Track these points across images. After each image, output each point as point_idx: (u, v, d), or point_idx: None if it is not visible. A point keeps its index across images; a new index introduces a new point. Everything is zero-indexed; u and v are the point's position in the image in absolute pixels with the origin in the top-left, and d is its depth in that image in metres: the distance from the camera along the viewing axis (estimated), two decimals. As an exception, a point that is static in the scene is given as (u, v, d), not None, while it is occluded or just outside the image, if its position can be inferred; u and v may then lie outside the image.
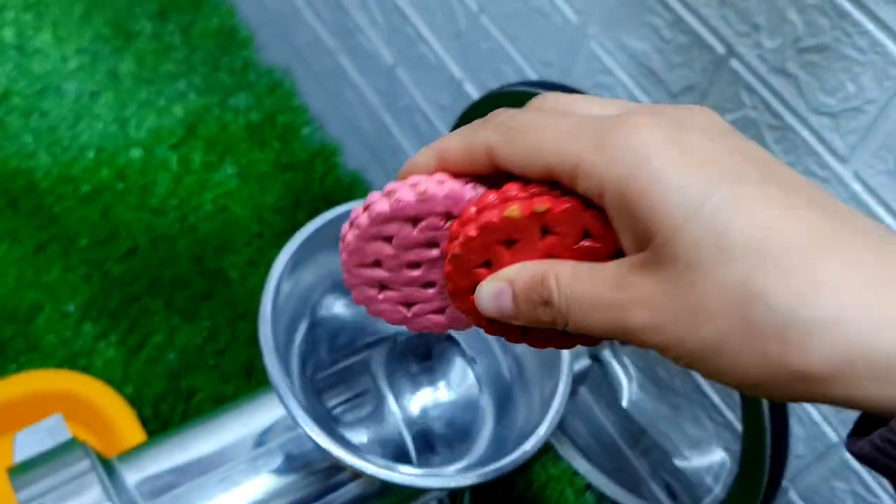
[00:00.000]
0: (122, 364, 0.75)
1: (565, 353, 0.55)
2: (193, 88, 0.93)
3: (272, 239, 0.83)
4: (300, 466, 0.57)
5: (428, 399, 0.62)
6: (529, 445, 0.52)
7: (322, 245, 0.56)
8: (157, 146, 0.87)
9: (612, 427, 0.77)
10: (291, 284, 0.56)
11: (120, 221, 0.83)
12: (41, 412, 0.71)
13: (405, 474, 0.50)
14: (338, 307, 0.59)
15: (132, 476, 0.55)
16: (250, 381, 0.75)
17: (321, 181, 0.88)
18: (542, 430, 0.52)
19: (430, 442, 0.61)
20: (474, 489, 0.73)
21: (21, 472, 0.54)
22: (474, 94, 0.74)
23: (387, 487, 0.59)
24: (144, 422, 0.70)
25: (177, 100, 0.91)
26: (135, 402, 0.72)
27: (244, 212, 0.85)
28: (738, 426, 0.65)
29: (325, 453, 0.57)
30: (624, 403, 0.73)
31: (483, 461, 0.52)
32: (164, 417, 0.72)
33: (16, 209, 0.82)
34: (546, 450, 0.76)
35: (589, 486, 0.76)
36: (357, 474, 0.57)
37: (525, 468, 0.75)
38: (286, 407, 0.50)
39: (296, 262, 0.55)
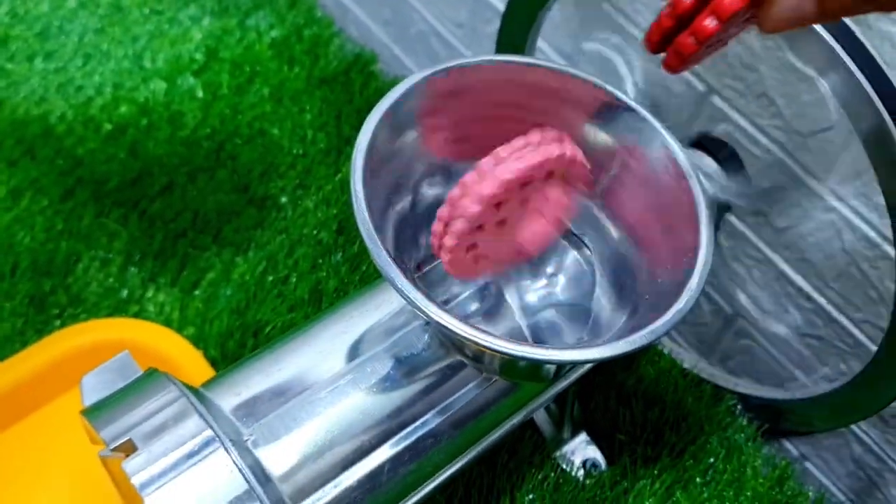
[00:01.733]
0: (177, 306, 0.67)
1: (700, 206, 0.48)
2: (207, 12, 0.85)
3: (318, 157, 0.76)
4: (411, 370, 0.50)
5: (542, 288, 0.55)
6: (682, 302, 0.45)
7: (417, 110, 0.49)
8: (179, 75, 0.79)
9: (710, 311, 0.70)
10: (382, 163, 0.48)
11: (150, 158, 0.75)
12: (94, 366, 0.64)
13: (551, 349, 0.43)
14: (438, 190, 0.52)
15: (226, 402, 0.48)
16: (320, 306, 0.67)
17: (361, 91, 0.80)
18: (695, 283, 0.45)
19: (545, 334, 0.54)
20: (581, 393, 0.66)
21: (98, 411, 0.47)
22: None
23: (508, 388, 0.52)
24: (212, 363, 0.63)
25: (191, 26, 0.83)
26: (198, 343, 0.65)
27: (283, 133, 0.77)
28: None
29: (442, 346, 0.50)
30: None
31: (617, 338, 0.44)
32: (232, 356, 0.64)
33: (34, 157, 0.74)
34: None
35: (701, 379, 0.69)
36: (473, 372, 0.50)
37: (631, 364, 0.68)
38: (402, 291, 0.42)
39: (389, 130, 0.48)
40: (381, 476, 0.49)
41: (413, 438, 0.49)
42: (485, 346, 0.42)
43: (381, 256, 0.44)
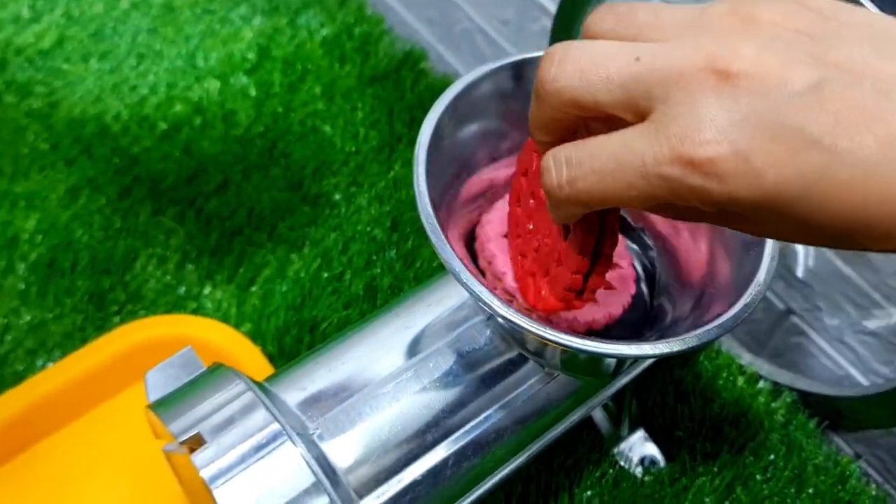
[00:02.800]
0: (234, 303, 0.68)
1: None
2: (258, 12, 0.85)
3: (371, 155, 0.76)
4: (473, 365, 0.50)
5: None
6: (750, 296, 0.44)
7: (483, 101, 0.49)
8: (232, 74, 0.80)
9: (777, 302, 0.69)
10: (446, 148, 0.48)
11: (204, 156, 0.75)
12: (156, 362, 0.65)
13: (618, 344, 0.43)
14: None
15: (290, 396, 0.48)
16: (375, 303, 0.67)
17: (412, 88, 0.80)
18: (762, 277, 0.45)
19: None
20: (639, 390, 0.66)
21: (166, 405, 0.47)
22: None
23: (569, 384, 0.52)
24: (270, 359, 0.64)
25: (242, 25, 0.84)
26: (255, 339, 0.65)
27: (336, 131, 0.77)
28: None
29: (504, 341, 0.49)
30: (799, 273, 0.65)
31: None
32: (289, 352, 0.65)
33: (91, 156, 0.75)
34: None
35: (759, 375, 0.68)
36: (535, 368, 0.50)
37: (688, 361, 0.67)
38: (468, 286, 0.42)
39: (453, 121, 0.48)
40: (444, 471, 0.49)
41: (476, 433, 0.49)
42: (553, 341, 0.41)
43: (446, 251, 0.44)
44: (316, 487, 0.43)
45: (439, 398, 0.49)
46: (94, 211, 0.72)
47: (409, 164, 0.76)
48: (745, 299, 0.44)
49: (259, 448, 0.44)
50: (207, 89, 0.79)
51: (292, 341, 0.65)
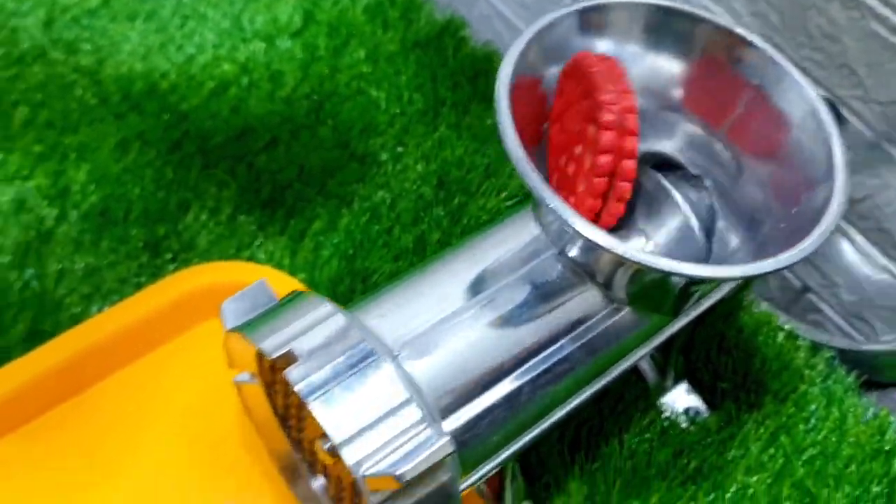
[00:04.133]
0: (287, 254, 0.69)
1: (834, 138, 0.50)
2: (300, -22, 0.87)
3: (416, 117, 0.78)
4: (546, 297, 0.51)
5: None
6: (825, 224, 0.46)
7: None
8: (277, 37, 0.81)
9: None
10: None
11: (252, 115, 0.77)
12: (214, 307, 0.66)
13: (701, 266, 0.45)
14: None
15: (371, 321, 0.49)
16: (425, 255, 0.69)
17: (454, 55, 0.82)
18: (835, 206, 0.47)
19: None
20: (683, 345, 0.67)
21: (252, 327, 0.48)
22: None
23: (635, 319, 0.53)
24: (325, 307, 0.65)
25: (285, -9, 0.85)
26: (309, 288, 0.66)
27: (381, 93, 0.79)
28: None
29: (575, 274, 0.51)
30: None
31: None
32: (343, 300, 0.66)
33: (141, 112, 0.76)
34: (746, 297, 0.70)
35: (798, 334, 0.70)
36: (604, 301, 0.52)
37: (730, 315, 0.69)
38: (555, 207, 0.44)
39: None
40: (519, 397, 0.50)
41: (549, 363, 0.51)
42: (639, 262, 0.43)
43: (533, 177, 0.46)
44: (409, 403, 0.45)
45: (513, 328, 0.50)
46: (144, 164, 0.73)
47: (453, 126, 0.77)
48: (819, 228, 0.46)
49: (351, 365, 0.45)
50: (253, 51, 0.80)
51: (346, 290, 0.67)
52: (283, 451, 0.57)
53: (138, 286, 0.67)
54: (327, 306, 0.48)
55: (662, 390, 0.66)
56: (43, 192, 0.72)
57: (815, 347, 0.69)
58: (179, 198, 0.72)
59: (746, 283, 0.60)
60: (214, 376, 0.63)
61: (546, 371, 0.51)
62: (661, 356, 0.66)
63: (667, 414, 0.65)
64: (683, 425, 0.65)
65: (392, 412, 0.44)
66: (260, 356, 0.50)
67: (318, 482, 0.57)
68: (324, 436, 0.48)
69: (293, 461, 0.57)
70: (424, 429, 0.44)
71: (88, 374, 0.63)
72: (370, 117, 0.77)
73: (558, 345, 0.51)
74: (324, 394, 0.44)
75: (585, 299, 0.52)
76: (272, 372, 0.53)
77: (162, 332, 0.65)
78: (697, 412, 0.66)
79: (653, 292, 0.52)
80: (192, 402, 0.63)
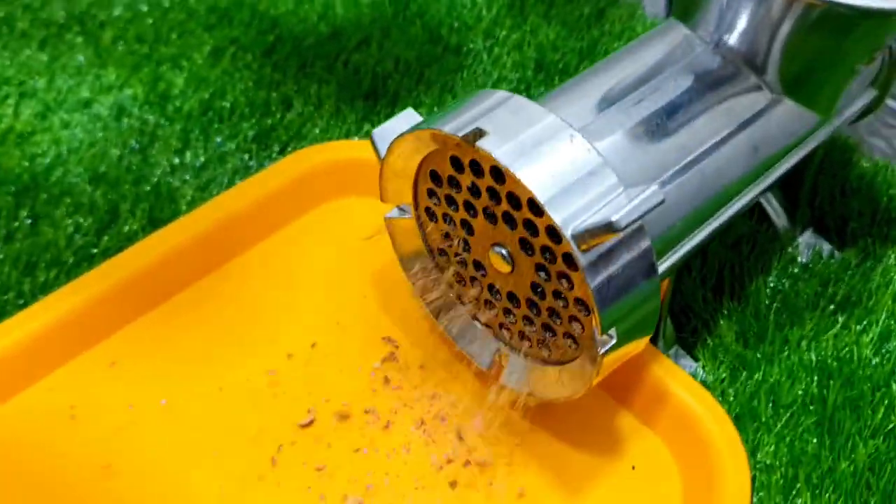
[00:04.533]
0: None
1: None
2: None
3: (503, 11, 0.78)
4: (709, 85, 0.51)
5: None
6: None
7: None
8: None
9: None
10: None
11: (341, 18, 0.77)
12: (338, 183, 0.65)
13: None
14: None
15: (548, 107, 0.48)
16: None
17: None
18: None
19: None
20: (811, 186, 0.66)
21: (425, 122, 0.47)
22: None
23: (793, 110, 0.53)
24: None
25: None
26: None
27: (463, -7, 0.79)
28: None
29: (733, 65, 0.48)
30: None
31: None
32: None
33: (230, 21, 0.76)
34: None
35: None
36: (764, 92, 0.50)
37: (850, 161, 0.69)
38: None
39: None
40: (692, 184, 0.49)
41: (717, 152, 0.50)
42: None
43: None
44: (604, 167, 0.44)
45: (682, 112, 0.50)
46: (242, 67, 0.73)
47: (542, 16, 0.77)
48: None
49: (542, 138, 0.44)
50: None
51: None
52: (431, 286, 0.55)
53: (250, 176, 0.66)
54: (502, 92, 0.47)
55: (792, 238, 0.65)
56: (141, 99, 0.71)
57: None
58: (281, 95, 0.71)
59: (871, 108, 0.60)
60: (344, 250, 0.62)
61: (714, 160, 0.50)
62: (789, 202, 0.65)
63: (801, 258, 0.64)
64: (820, 265, 0.64)
65: (590, 175, 0.43)
66: (419, 184, 0.48)
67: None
68: (498, 244, 0.47)
69: (443, 295, 0.55)
70: (622, 191, 0.43)
71: (224, 250, 0.61)
72: (457, 14, 0.77)
73: (725, 133, 0.51)
74: (521, 157, 0.43)
75: (746, 88, 0.52)
76: (447, 176, 0.51)
77: (291, 210, 0.64)
78: (831, 254, 0.65)
79: (810, 75, 0.51)
80: (328, 273, 0.62)
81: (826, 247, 0.65)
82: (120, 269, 0.58)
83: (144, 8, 0.77)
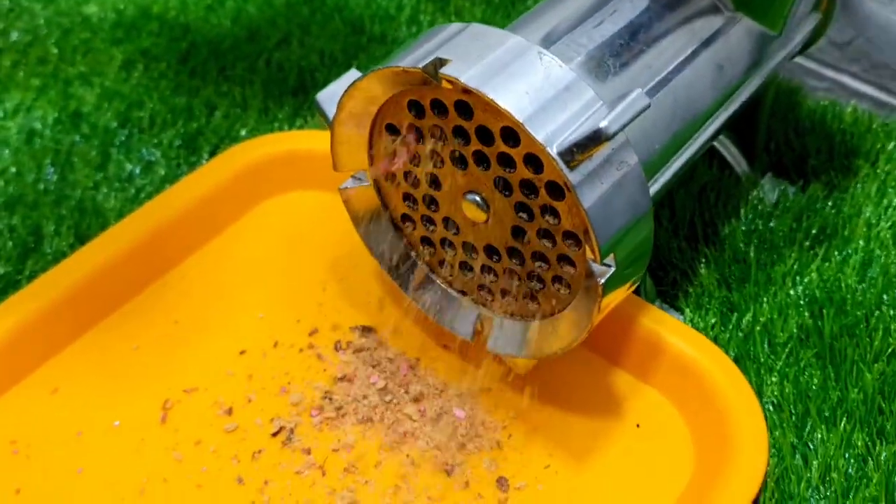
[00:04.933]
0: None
1: None
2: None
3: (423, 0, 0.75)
4: (667, 5, 0.49)
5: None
6: None
7: None
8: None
9: None
10: None
11: (255, 20, 0.73)
12: (278, 178, 0.61)
13: None
14: None
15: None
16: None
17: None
18: None
19: None
20: (766, 131, 0.65)
21: (381, 63, 0.43)
22: None
23: (750, 30, 0.51)
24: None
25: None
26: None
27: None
28: None
29: None
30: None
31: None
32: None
33: (138, 33, 0.71)
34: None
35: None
36: (720, 14, 0.49)
37: (795, 105, 0.68)
38: None
39: None
40: (665, 104, 0.47)
41: (682, 72, 0.48)
42: None
43: None
44: (579, 82, 0.41)
45: (642, 32, 0.48)
46: (157, 77, 0.68)
47: (464, -1, 0.75)
48: None
49: (509, 60, 0.41)
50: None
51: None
52: (395, 252, 0.51)
53: (183, 181, 0.61)
54: (458, 24, 0.43)
55: (754, 183, 0.63)
56: (52, 120, 0.65)
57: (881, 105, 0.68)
58: (203, 100, 0.67)
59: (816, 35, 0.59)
60: (294, 245, 0.58)
61: (683, 77, 0.48)
62: (746, 148, 0.64)
63: (769, 199, 0.62)
64: (790, 202, 0.62)
65: (567, 90, 0.40)
66: (378, 141, 0.44)
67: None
68: (471, 191, 0.43)
69: (408, 262, 0.51)
70: (602, 104, 0.40)
71: (164, 256, 0.56)
72: (377, 6, 0.74)
73: (689, 51, 0.48)
74: (491, 79, 0.40)
75: (702, 8, 0.50)
76: (409, 127, 0.47)
77: (229, 209, 0.59)
78: (797, 192, 0.63)
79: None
80: (279, 267, 0.57)
81: (790, 187, 0.63)
82: (51, 289, 0.52)
83: (43, 31, 0.72)
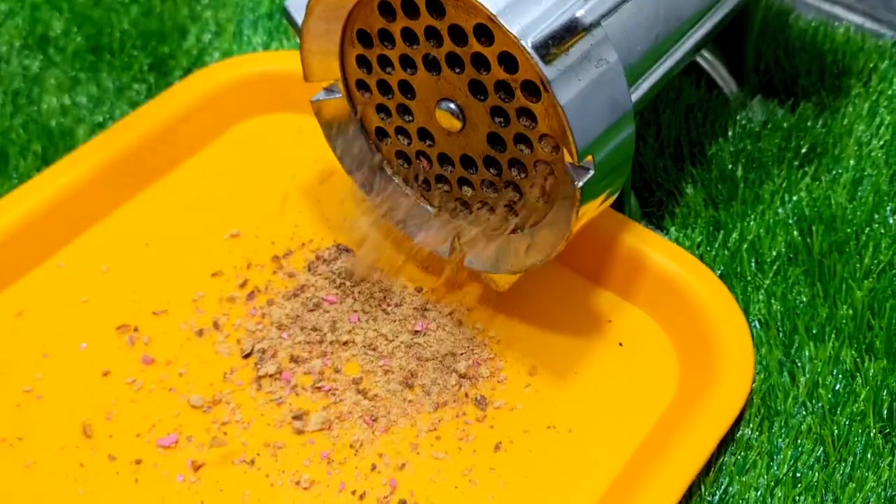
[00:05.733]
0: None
1: None
2: None
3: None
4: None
5: None
6: None
7: None
8: None
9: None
10: None
11: None
12: (250, 100, 0.59)
13: None
14: None
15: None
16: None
17: None
18: None
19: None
20: (755, 50, 0.63)
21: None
22: None
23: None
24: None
25: None
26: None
27: None
28: None
29: None
30: None
31: None
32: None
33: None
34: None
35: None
36: None
37: (785, 27, 0.66)
38: None
39: None
40: (647, 3, 0.45)
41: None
42: None
43: None
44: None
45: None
46: (127, 2, 0.66)
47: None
48: None
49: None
50: None
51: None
52: (368, 168, 0.49)
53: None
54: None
55: (742, 104, 0.62)
56: (19, 45, 0.63)
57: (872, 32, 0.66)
58: (174, 23, 0.64)
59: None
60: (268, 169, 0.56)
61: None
62: (734, 68, 0.62)
63: (757, 118, 0.60)
64: (779, 121, 0.60)
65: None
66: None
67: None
68: (444, 99, 0.42)
69: (383, 177, 0.49)
70: (579, -1, 0.38)
71: (135, 176, 0.55)
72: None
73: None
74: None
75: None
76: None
77: (200, 131, 0.57)
78: (786, 112, 0.61)
79: None
80: (255, 184, 0.55)
81: (779, 108, 0.62)
82: (15, 209, 0.51)
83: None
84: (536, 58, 0.37)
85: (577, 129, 0.38)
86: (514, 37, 0.37)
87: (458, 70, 0.42)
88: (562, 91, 0.37)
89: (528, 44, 0.37)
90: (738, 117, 0.60)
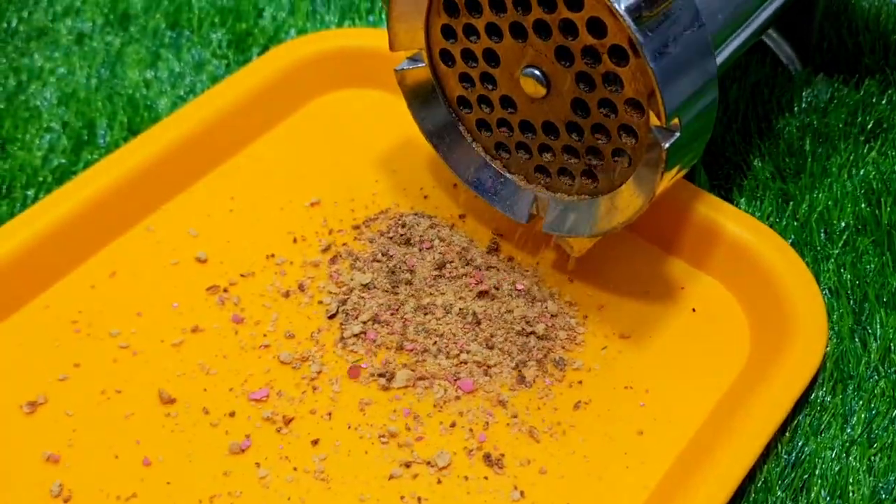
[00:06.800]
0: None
1: None
2: None
3: None
4: None
5: None
6: None
7: None
8: None
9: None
10: None
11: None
12: (330, 74, 0.60)
13: None
14: None
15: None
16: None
17: None
18: None
19: None
20: (818, 30, 0.64)
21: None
22: None
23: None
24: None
25: None
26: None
27: None
28: None
29: None
30: None
31: None
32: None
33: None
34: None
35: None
36: None
37: (848, 6, 0.66)
38: None
39: None
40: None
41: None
42: None
43: None
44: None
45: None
46: (205, -18, 0.68)
47: None
48: None
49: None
50: None
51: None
52: (449, 136, 0.51)
53: (232, 80, 0.61)
54: None
55: (807, 81, 0.63)
56: (101, 23, 0.65)
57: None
58: (250, 2, 0.66)
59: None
60: (347, 141, 0.58)
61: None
62: (799, 48, 0.63)
63: (823, 96, 0.61)
64: (844, 97, 0.61)
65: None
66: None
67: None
68: (529, 65, 0.43)
69: (463, 146, 0.51)
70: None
71: (219, 147, 0.56)
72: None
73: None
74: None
75: None
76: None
77: (281, 104, 0.59)
78: (851, 89, 0.62)
79: None
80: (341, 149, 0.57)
81: (843, 86, 0.62)
82: (106, 176, 0.53)
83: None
84: (629, 20, 0.38)
85: (666, 91, 0.39)
86: (608, 0, 0.38)
87: (544, 37, 0.43)
88: (653, 54, 0.39)
89: (621, 7, 0.38)
90: (803, 94, 0.61)
